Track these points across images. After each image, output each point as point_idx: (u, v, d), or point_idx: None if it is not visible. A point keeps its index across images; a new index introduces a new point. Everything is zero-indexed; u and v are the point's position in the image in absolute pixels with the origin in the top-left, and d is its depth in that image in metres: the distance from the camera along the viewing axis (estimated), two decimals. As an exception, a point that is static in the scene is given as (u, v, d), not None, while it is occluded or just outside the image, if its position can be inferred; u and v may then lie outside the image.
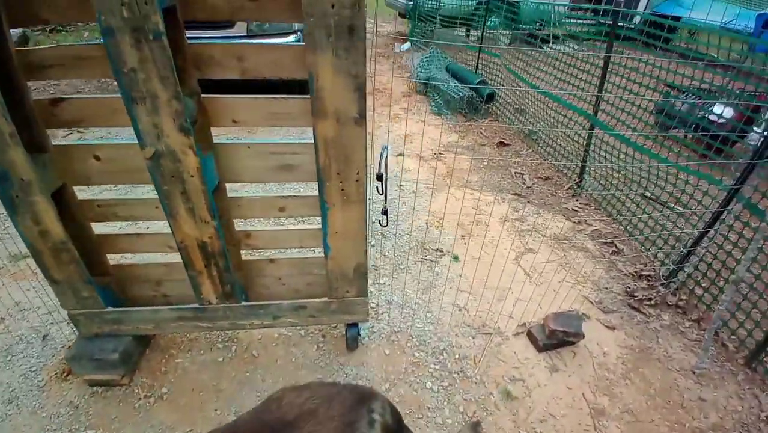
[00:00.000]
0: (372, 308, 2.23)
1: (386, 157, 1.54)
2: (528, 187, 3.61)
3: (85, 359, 1.74)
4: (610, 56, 3.14)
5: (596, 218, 3.23)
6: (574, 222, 3.19)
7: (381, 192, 1.58)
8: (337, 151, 1.36)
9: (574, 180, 3.65)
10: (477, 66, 5.42)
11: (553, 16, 6.25)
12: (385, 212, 1.72)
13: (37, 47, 1.33)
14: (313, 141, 1.46)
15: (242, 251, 1.84)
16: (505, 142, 4.43)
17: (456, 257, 2.70)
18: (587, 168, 3.61)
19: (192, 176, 1.36)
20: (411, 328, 2.16)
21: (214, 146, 1.47)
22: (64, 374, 1.87)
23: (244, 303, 1.77)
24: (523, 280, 2.55)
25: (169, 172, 1.35)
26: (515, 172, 3.85)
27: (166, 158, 1.32)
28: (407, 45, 7.77)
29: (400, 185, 3.43)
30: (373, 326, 2.15)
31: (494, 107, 5.16)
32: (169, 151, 1.30)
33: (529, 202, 3.39)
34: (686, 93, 3.60)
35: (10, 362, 1.94)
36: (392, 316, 2.23)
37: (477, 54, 5.38)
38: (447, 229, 2.97)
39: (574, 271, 2.66)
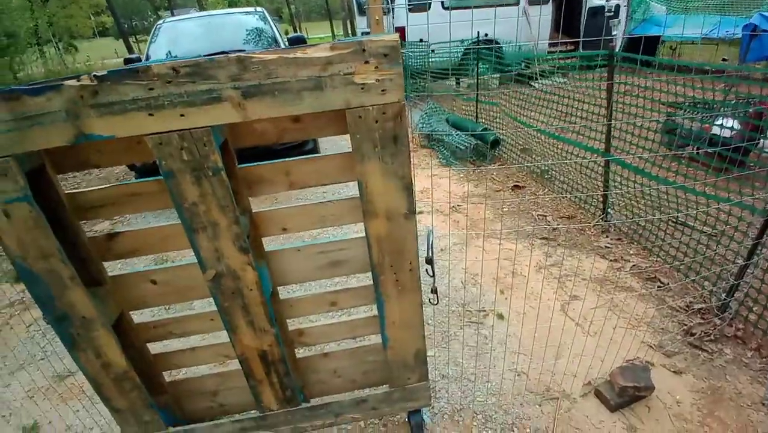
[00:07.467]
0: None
1: (432, 240, 1.56)
2: (554, 229, 3.59)
3: (148, 488, 1.66)
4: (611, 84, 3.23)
5: (632, 252, 3.17)
6: (611, 260, 3.13)
7: (431, 274, 1.58)
8: (390, 246, 1.37)
9: (599, 216, 3.63)
10: (477, 115, 5.60)
11: (534, 54, 6.67)
12: (434, 291, 1.71)
13: (90, 189, 1.37)
14: (356, 236, 1.50)
15: (295, 349, 1.81)
16: (520, 184, 4.48)
17: (501, 315, 2.63)
18: (609, 200, 3.60)
19: (251, 290, 1.37)
20: (473, 403, 2.07)
21: (265, 255, 1.50)
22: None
23: (304, 405, 1.71)
24: (576, 331, 2.47)
25: (229, 290, 1.36)
26: (537, 215, 3.84)
27: (226, 278, 1.33)
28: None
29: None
30: (433, 407, 2.06)
31: (500, 151, 5.27)
32: (229, 271, 1.32)
33: (559, 244, 3.36)
34: (686, 109, 3.66)
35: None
36: (450, 392, 2.14)
37: (475, 104, 5.57)
38: (485, 285, 2.93)
39: (625, 314, 2.58)
